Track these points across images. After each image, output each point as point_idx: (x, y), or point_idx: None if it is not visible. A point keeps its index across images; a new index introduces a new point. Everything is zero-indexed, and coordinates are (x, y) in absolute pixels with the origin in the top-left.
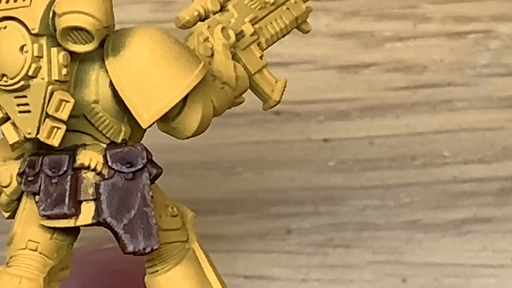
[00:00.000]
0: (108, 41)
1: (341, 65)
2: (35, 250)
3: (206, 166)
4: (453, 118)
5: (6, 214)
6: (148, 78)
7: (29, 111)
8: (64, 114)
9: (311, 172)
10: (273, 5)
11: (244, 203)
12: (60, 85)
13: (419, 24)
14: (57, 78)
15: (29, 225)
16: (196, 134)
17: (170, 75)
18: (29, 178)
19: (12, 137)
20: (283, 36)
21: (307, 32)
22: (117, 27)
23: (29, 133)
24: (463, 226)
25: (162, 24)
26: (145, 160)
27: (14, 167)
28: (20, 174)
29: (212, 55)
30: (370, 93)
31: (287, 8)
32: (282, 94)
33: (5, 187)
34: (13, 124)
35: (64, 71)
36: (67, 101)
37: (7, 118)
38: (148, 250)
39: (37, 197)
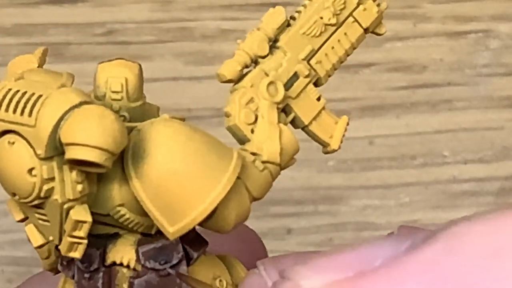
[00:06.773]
0: (127, 149)
1: (341, 65)
2: None
3: None
4: (453, 118)
5: (49, 268)
6: (170, 192)
7: (48, 221)
8: (82, 233)
9: (311, 172)
10: (336, 25)
11: None
12: (76, 202)
13: (419, 24)
14: (71, 197)
15: None
16: (235, 228)
17: (194, 189)
18: (64, 262)
19: (36, 240)
20: (348, 56)
21: (382, 34)
22: (117, 27)
23: (52, 240)
24: None
25: (162, 24)
26: (181, 254)
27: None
28: (57, 247)
29: (255, 121)
30: (370, 93)
31: (354, 21)
32: (342, 139)
33: (45, 259)
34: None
35: (79, 187)
36: (84, 222)
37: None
38: None
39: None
